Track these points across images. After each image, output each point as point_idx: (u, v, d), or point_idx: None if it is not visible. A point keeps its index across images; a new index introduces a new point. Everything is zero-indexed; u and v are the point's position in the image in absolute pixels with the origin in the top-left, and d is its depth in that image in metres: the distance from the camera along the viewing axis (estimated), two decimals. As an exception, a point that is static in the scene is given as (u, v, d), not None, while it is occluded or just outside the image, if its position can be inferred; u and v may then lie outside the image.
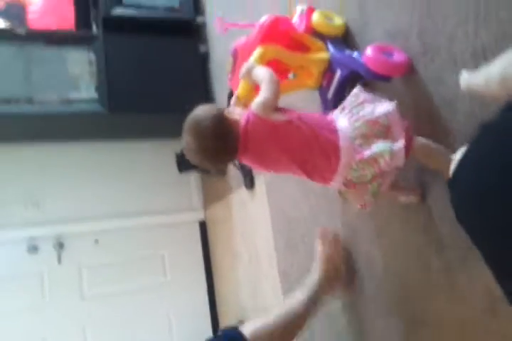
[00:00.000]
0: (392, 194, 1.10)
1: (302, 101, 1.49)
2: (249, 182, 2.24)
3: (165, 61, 2.62)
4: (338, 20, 1.33)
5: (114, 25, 2.50)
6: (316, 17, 1.29)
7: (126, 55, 2.55)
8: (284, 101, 1.06)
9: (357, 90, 1.02)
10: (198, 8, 2.82)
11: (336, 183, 0.97)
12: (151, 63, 2.58)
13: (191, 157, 0.99)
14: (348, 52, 1.23)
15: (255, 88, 1.05)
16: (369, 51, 1.12)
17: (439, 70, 1.05)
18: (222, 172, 2.63)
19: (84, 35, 2.65)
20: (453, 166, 0.55)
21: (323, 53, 1.24)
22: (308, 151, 0.95)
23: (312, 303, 1.40)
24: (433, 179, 1.07)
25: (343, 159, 0.92)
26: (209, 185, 3.23)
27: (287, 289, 1.95)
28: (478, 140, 0.52)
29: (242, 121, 0.95)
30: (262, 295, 2.36)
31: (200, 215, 3.40)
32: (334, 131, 0.95)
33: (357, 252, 1.43)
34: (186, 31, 2.76)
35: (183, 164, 2.72)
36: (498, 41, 0.92)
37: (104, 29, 2.53)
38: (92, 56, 2.52)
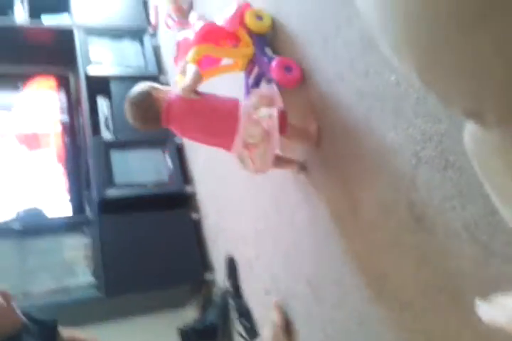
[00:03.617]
0: (282, 167, 1.61)
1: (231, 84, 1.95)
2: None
3: (159, 235, 2.65)
4: (267, 20, 1.68)
5: (107, 207, 2.57)
6: (248, 16, 1.65)
7: (121, 235, 2.58)
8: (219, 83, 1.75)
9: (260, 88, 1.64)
10: (186, 178, 2.96)
11: (236, 144, 1.36)
12: (146, 240, 2.61)
13: (131, 121, 1.41)
14: (267, 52, 1.64)
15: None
16: (274, 64, 1.54)
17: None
18: None
19: (78, 219, 2.72)
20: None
21: (249, 48, 1.64)
22: (215, 119, 1.38)
23: None
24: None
25: (241, 122, 1.34)
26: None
27: None
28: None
29: (168, 99, 1.38)
30: None
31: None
32: (238, 104, 1.40)
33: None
34: (177, 202, 2.86)
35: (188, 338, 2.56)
36: (487, 215, 0.94)
37: (97, 211, 2.60)
38: (88, 240, 2.55)
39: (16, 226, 2.55)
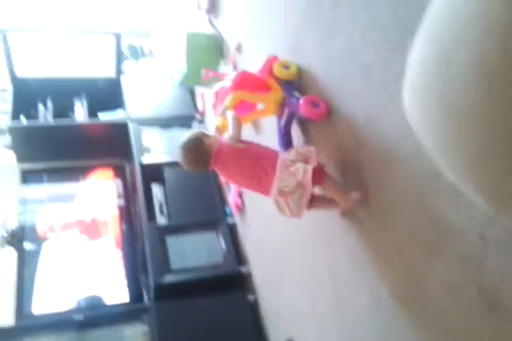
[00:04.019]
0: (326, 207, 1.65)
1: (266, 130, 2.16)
2: None
3: (216, 318, 2.62)
4: (293, 68, 1.85)
5: (164, 293, 2.58)
6: (276, 67, 1.84)
7: (178, 321, 2.56)
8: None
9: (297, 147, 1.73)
10: (240, 258, 2.95)
11: (273, 191, 1.49)
12: (204, 324, 2.58)
13: (184, 165, 1.57)
14: (295, 95, 1.79)
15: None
16: (301, 101, 1.69)
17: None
18: None
19: (136, 307, 2.73)
20: None
21: (278, 93, 1.82)
22: (256, 167, 1.51)
23: None
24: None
25: (278, 173, 1.47)
26: None
27: None
28: None
29: (218, 145, 1.55)
30: None
31: None
32: (277, 155, 1.53)
33: None
34: (232, 283, 2.83)
35: None
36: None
37: (155, 298, 2.61)
38: (146, 328, 2.53)
39: (77, 316, 2.58)
